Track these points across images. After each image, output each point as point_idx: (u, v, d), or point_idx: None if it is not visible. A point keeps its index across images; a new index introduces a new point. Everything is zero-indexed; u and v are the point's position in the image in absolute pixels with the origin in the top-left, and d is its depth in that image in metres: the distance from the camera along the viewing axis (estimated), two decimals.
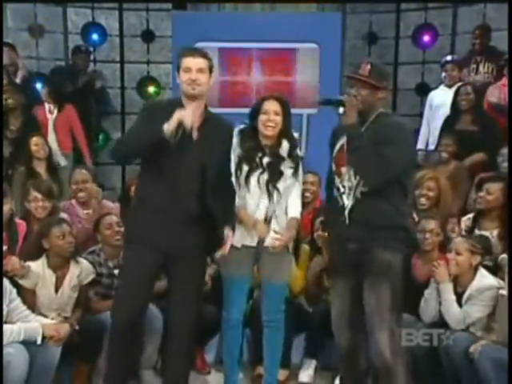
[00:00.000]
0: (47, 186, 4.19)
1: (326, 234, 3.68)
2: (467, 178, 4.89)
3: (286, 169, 3.32)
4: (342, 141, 3.01)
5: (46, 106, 6.04)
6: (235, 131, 3.29)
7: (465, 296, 3.43)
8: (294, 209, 3.40)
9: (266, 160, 3.30)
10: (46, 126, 5.96)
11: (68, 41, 7.20)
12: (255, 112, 3.30)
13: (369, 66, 2.92)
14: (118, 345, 3.16)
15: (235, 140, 3.29)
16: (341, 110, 2.90)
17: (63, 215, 4.18)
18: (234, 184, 3.28)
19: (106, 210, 4.32)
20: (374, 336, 2.92)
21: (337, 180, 3.03)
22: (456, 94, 5.35)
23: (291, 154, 3.34)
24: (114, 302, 3.30)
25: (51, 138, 5.84)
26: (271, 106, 3.26)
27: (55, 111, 6.03)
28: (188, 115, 2.93)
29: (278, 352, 3.48)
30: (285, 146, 3.33)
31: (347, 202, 2.96)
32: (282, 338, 3.46)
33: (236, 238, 3.28)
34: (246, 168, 3.29)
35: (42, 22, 7.00)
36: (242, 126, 3.37)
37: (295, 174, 3.35)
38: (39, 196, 4.05)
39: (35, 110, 5.94)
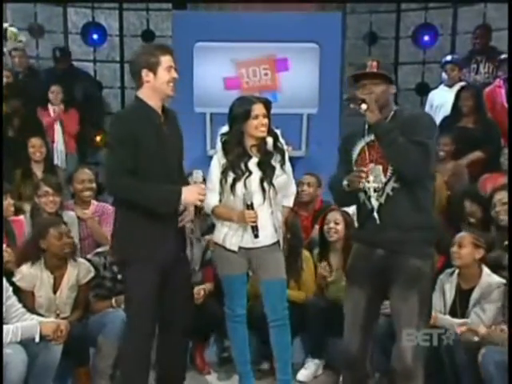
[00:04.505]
0: (57, 181, 4.25)
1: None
2: (467, 176, 4.89)
3: (276, 163, 3.38)
4: (361, 144, 2.94)
5: (51, 108, 6.07)
6: (218, 138, 3.39)
7: (474, 295, 3.43)
8: (290, 199, 3.55)
9: (252, 162, 3.34)
10: (52, 128, 5.99)
11: (68, 41, 7.20)
12: (242, 116, 3.30)
13: (375, 63, 2.86)
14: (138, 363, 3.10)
15: (219, 148, 3.37)
16: (364, 106, 2.78)
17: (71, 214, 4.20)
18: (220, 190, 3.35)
19: (105, 210, 4.34)
20: (399, 341, 2.87)
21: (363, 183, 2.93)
22: (457, 97, 5.34)
23: (276, 146, 3.40)
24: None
25: (59, 139, 5.86)
26: (261, 110, 3.31)
27: (60, 112, 6.06)
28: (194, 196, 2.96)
29: (288, 350, 3.47)
30: (269, 140, 3.39)
31: (375, 203, 2.88)
32: (289, 335, 3.45)
33: (232, 241, 3.35)
34: (231, 175, 3.32)
35: (42, 22, 7.00)
36: (225, 132, 3.40)
37: (283, 165, 3.40)
38: (50, 191, 4.09)
39: (39, 112, 5.95)
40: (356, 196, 2.94)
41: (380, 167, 2.86)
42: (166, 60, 2.97)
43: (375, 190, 2.86)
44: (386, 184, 2.86)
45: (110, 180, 2.96)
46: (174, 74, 2.99)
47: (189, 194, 2.94)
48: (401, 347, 2.87)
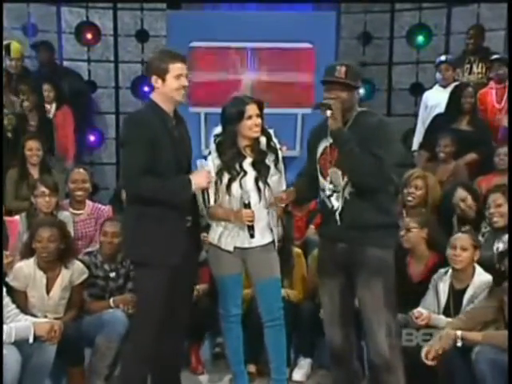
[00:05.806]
0: (54, 182, 4.26)
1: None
2: (467, 177, 4.90)
3: (270, 162, 3.39)
4: (326, 143, 3.04)
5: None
6: (212, 138, 3.40)
7: (467, 295, 3.44)
8: None
9: (247, 162, 3.35)
10: None
11: (62, 40, 7.17)
12: (236, 117, 3.30)
13: (344, 68, 2.97)
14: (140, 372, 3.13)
15: (213, 148, 3.38)
16: (328, 113, 2.90)
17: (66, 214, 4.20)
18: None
19: (101, 213, 4.36)
20: (372, 333, 2.94)
21: (322, 182, 3.06)
22: (459, 95, 5.33)
23: (269, 145, 3.40)
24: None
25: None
26: (254, 110, 3.31)
27: (52, 111, 6.03)
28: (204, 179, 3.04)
29: (283, 351, 3.47)
30: (262, 140, 3.40)
31: (337, 203, 3.00)
32: (284, 335, 3.45)
33: (227, 240, 3.36)
34: (227, 176, 3.33)
35: (35, 22, 6.97)
36: (218, 133, 3.40)
37: (277, 164, 3.42)
38: (47, 191, 4.10)
39: None
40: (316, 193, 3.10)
41: (339, 171, 2.98)
42: (175, 68, 3.00)
43: (334, 191, 2.99)
44: (344, 188, 2.98)
45: (131, 180, 2.99)
46: (184, 82, 3.02)
47: (198, 179, 3.03)
48: (376, 341, 2.93)
